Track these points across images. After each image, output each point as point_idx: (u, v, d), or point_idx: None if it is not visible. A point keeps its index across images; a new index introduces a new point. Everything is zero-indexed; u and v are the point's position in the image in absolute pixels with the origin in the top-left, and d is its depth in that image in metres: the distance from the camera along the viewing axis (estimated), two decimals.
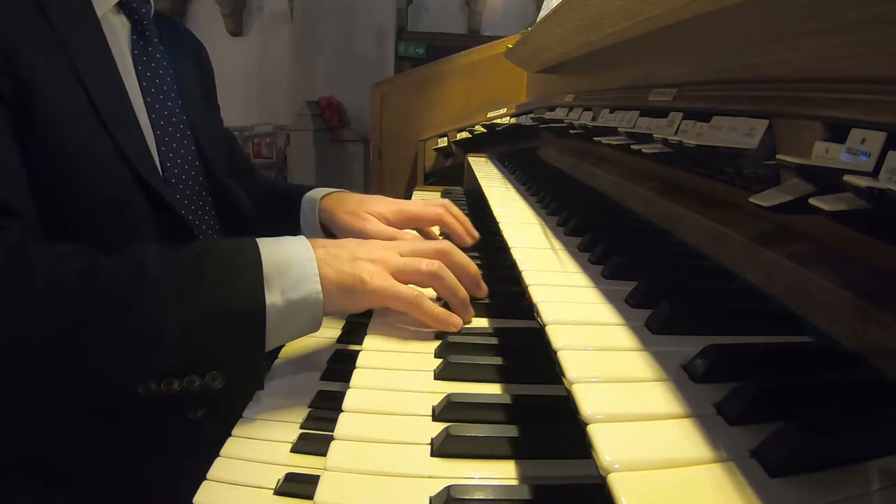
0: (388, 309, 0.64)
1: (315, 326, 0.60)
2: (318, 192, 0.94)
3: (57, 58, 0.67)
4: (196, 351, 0.54)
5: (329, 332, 0.77)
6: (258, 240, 0.60)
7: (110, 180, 0.70)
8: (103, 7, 0.74)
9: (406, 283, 0.63)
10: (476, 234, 0.91)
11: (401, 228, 0.87)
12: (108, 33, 0.74)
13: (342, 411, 0.47)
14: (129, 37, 0.78)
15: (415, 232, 0.93)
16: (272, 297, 0.56)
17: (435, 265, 0.64)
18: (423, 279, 0.64)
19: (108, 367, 0.52)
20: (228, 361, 0.55)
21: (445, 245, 0.67)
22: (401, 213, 0.87)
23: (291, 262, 0.58)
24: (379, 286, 0.60)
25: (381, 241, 0.68)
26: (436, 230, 0.96)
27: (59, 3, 0.69)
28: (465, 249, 0.74)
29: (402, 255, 0.64)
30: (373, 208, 0.87)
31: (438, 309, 0.62)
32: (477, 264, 0.78)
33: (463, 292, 0.64)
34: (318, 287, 0.58)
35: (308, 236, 0.63)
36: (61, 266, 0.53)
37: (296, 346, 0.73)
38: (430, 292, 0.65)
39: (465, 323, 0.64)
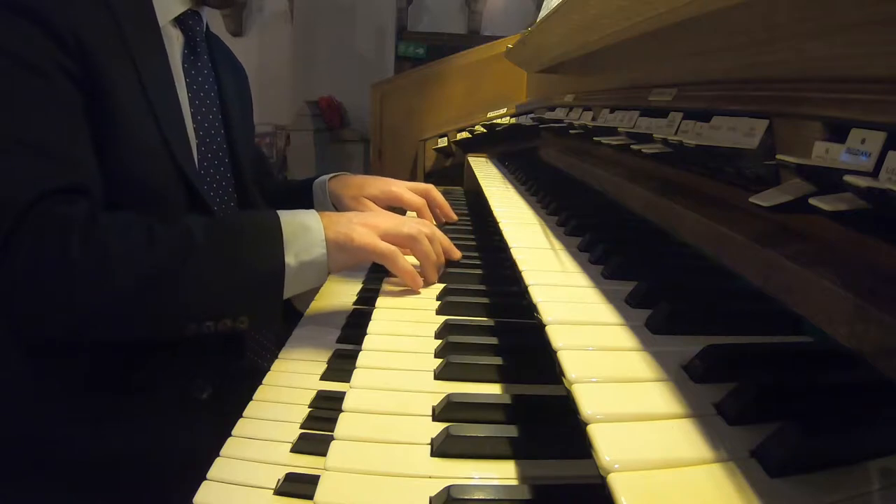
0: (387, 308, 0.68)
1: (321, 281, 0.74)
2: (324, 177, 1.07)
3: (122, 56, 0.73)
4: (230, 301, 0.68)
5: (329, 331, 0.77)
6: (278, 212, 0.72)
7: (157, 173, 0.77)
8: (164, 19, 0.80)
9: (390, 243, 0.74)
10: (454, 216, 1.05)
11: (386, 207, 0.99)
12: (165, 43, 0.80)
13: (342, 411, 0.47)
14: (182, 49, 0.84)
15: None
16: (289, 259, 0.69)
17: (414, 230, 0.76)
18: (403, 241, 0.75)
19: (164, 314, 0.66)
20: (253, 308, 0.69)
21: (430, 225, 0.80)
22: (385, 194, 1.00)
23: (305, 230, 0.71)
24: (364, 242, 0.72)
25: (379, 211, 0.88)
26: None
27: (127, 9, 0.75)
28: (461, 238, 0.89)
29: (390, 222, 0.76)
30: (369, 192, 1.00)
31: (409, 266, 0.74)
32: (477, 264, 0.81)
33: (433, 257, 0.76)
34: (324, 250, 0.71)
35: None
36: (127, 236, 0.65)
37: (296, 346, 0.74)
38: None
39: (428, 284, 0.76)
